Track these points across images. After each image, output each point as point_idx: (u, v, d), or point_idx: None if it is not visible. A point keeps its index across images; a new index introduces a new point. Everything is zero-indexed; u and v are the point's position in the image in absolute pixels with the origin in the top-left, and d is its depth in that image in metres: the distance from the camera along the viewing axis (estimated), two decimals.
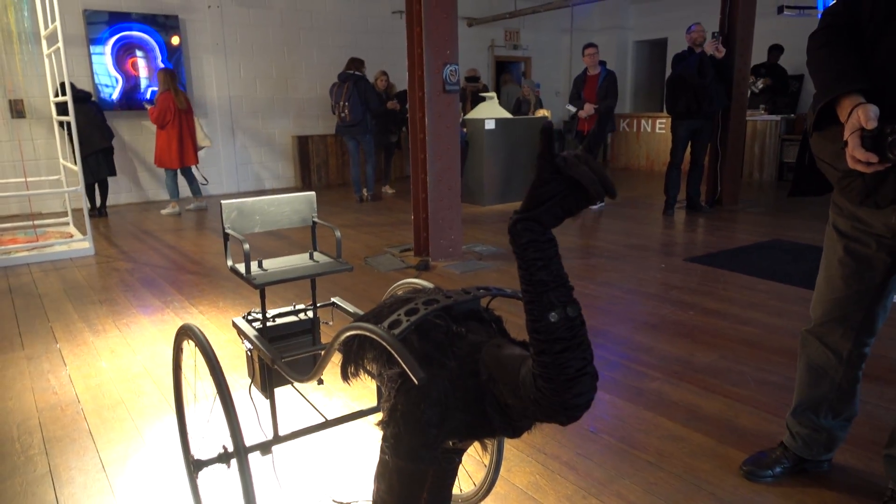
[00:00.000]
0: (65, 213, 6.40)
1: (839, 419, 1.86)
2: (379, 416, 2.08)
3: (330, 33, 9.17)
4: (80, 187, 5.32)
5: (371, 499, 1.23)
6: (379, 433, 1.18)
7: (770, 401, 2.49)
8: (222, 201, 1.79)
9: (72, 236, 5.66)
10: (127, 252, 5.34)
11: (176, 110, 6.74)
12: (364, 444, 2.24)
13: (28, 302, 3.99)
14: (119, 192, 7.90)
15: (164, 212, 7.17)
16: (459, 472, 1.46)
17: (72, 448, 2.27)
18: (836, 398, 1.83)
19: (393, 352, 1.05)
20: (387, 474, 1.16)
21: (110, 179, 7.19)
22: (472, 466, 2.00)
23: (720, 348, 3.02)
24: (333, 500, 1.90)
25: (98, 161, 6.71)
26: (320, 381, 1.63)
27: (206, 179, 7.66)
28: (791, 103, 9.05)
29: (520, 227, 0.90)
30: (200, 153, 7.44)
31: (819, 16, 5.25)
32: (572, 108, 6.94)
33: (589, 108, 6.65)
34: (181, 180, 7.30)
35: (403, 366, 1.03)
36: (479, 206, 7.27)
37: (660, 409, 2.44)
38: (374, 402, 1.88)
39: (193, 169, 7.31)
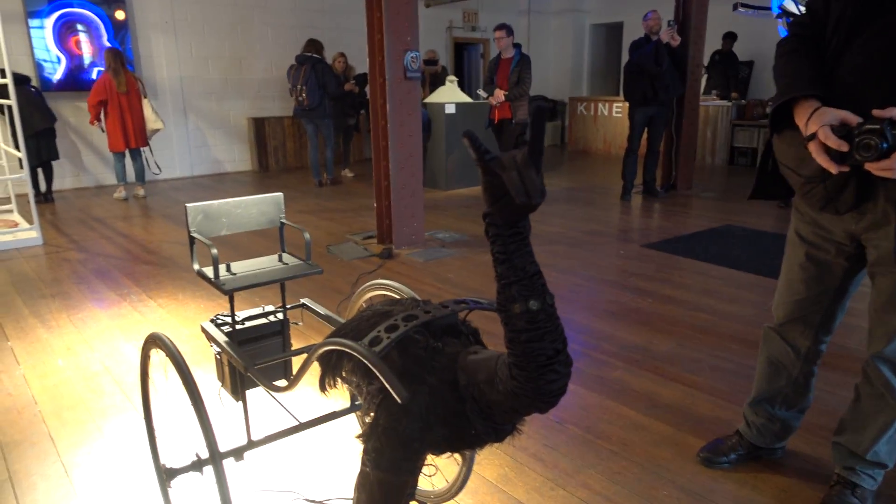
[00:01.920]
0: (8, 200, 6.13)
1: (793, 410, 1.96)
2: (352, 416, 2.09)
3: (284, 13, 8.94)
4: (25, 173, 5.10)
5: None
6: (354, 440, 1.20)
7: (725, 387, 2.60)
8: (187, 205, 1.75)
9: (17, 225, 5.43)
10: (78, 241, 5.16)
11: (115, 93, 6.52)
12: (335, 442, 2.25)
13: None
14: (65, 177, 7.60)
15: (115, 196, 6.96)
16: (432, 469, 1.49)
17: (32, 452, 2.21)
18: (793, 391, 1.92)
19: (375, 371, 1.06)
20: (367, 485, 1.18)
21: (56, 163, 6.92)
22: (443, 462, 2.04)
23: (677, 335, 3.13)
24: (306, 500, 1.92)
25: (39, 144, 6.45)
26: None
27: (159, 168, 7.36)
28: (741, 89, 9.30)
29: (486, 223, 0.93)
30: (154, 137, 7.21)
31: (777, 16, 5.38)
32: (483, 94, 6.50)
33: (499, 95, 6.19)
34: (129, 164, 7.07)
35: (386, 384, 1.04)
36: (440, 191, 7.26)
37: (622, 398, 2.53)
38: (346, 401, 1.89)
39: (147, 153, 7.08)
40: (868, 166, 1.35)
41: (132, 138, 6.75)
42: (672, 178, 6.98)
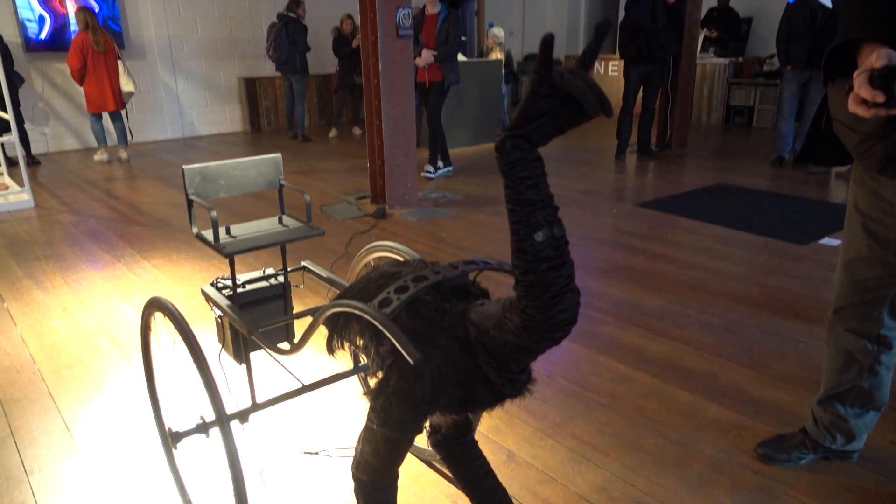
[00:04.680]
0: None
1: (867, 408, 1.75)
2: (355, 379, 2.12)
3: None
4: (14, 135, 5.04)
5: (353, 456, 1.26)
6: (358, 399, 1.22)
7: (713, 342, 2.65)
8: (184, 166, 1.74)
9: (7, 188, 5.38)
10: (69, 203, 5.14)
11: (93, 52, 6.38)
12: (336, 402, 2.29)
13: None
14: (56, 138, 7.52)
15: (95, 157, 6.92)
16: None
17: (32, 409, 2.25)
18: (866, 385, 1.71)
19: (386, 332, 1.06)
20: (372, 440, 1.19)
21: (43, 125, 6.84)
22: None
23: (667, 292, 3.17)
24: (302, 452, 1.97)
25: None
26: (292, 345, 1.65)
27: (131, 135, 7.18)
28: (740, 46, 9.16)
29: (508, 145, 0.89)
30: (132, 99, 7.11)
31: None
32: None
33: (427, 56, 5.48)
34: (109, 127, 6.97)
35: (398, 346, 1.04)
36: None
37: (611, 353, 2.58)
38: (348, 360, 1.91)
39: (123, 116, 6.97)
40: None
41: (112, 100, 6.61)
42: (667, 137, 6.95)
